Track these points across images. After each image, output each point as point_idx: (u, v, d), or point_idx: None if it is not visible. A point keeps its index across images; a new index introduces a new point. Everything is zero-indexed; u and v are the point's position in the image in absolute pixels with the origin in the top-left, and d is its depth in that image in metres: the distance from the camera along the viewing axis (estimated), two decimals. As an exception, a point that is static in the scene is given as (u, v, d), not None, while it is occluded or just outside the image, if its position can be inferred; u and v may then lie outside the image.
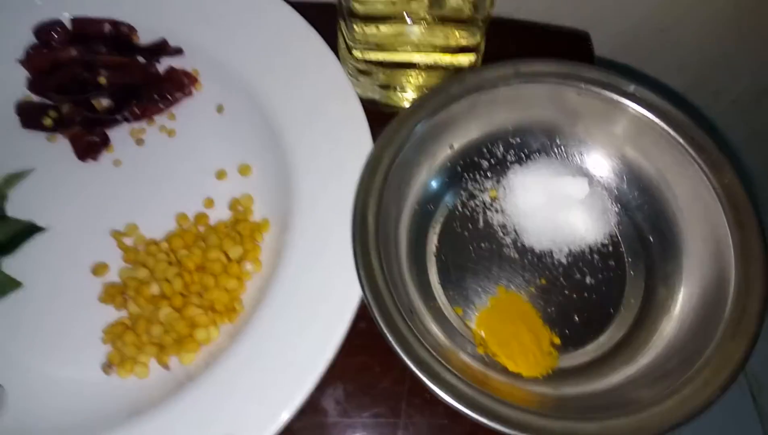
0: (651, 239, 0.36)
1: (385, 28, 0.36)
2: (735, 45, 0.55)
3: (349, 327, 0.32)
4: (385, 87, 0.40)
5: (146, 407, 0.31)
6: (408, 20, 0.36)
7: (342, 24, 0.37)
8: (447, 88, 0.35)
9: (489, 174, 0.39)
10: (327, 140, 0.37)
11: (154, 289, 0.34)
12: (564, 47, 0.45)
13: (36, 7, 0.40)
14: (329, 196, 0.35)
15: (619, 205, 0.37)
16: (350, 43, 0.37)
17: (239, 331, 0.33)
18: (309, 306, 0.32)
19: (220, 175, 0.38)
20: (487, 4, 0.35)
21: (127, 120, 0.40)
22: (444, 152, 0.37)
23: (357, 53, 0.38)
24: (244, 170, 0.38)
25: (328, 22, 0.39)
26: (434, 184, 0.38)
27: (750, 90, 0.61)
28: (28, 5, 0.40)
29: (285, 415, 0.30)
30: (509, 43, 0.41)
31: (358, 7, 0.35)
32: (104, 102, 0.40)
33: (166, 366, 0.33)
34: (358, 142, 0.36)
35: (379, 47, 0.37)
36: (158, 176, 0.39)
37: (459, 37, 0.37)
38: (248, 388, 0.31)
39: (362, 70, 0.39)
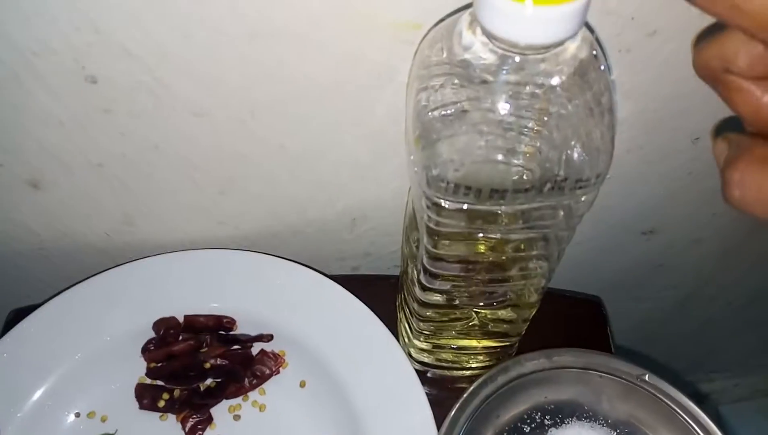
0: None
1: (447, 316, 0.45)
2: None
3: None
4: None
5: None
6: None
7: (405, 318, 0.47)
8: (494, 378, 0.44)
9: (530, 437, 0.46)
10: (392, 414, 0.45)
11: None
12: (581, 311, 0.54)
13: (152, 306, 0.50)
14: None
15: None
16: (414, 334, 0.46)
17: None
18: None
19: (305, 448, 0.46)
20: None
21: (226, 397, 0.48)
22: (492, 425, 0.45)
23: (419, 343, 0.47)
24: (326, 442, 0.46)
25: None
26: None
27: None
28: (145, 307, 0.50)
29: None
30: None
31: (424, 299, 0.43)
32: (208, 382, 0.48)
33: None
34: (422, 423, 0.44)
35: (437, 336, 0.46)
36: (254, 449, 0.46)
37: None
38: None
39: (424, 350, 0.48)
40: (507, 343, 0.48)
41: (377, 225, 0.53)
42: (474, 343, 0.47)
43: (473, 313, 0.44)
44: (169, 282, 0.50)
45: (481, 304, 0.42)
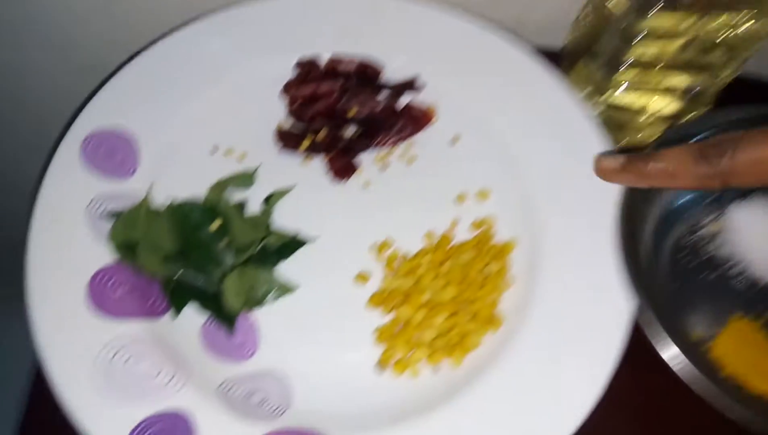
0: None
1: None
2: None
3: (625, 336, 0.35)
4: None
5: (431, 403, 0.35)
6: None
7: (595, 68, 0.42)
8: (687, 129, 0.39)
9: (709, 211, 0.42)
10: (567, 163, 0.41)
11: (425, 297, 0.38)
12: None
13: (296, 45, 0.45)
14: (577, 216, 0.39)
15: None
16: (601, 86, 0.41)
17: (507, 338, 0.36)
18: (576, 318, 0.36)
19: (460, 198, 0.42)
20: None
21: (371, 148, 0.44)
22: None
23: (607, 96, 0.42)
24: (482, 195, 0.42)
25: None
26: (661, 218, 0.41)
27: None
28: (290, 44, 0.45)
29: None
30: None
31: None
32: (351, 131, 0.45)
33: (437, 368, 0.37)
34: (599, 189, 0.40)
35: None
36: (403, 198, 0.43)
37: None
38: (533, 392, 0.34)
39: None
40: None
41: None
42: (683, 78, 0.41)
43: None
44: (314, 21, 0.45)
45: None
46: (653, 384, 0.37)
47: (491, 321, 0.37)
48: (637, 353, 0.35)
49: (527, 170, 0.42)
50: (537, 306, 0.37)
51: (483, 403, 0.35)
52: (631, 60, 0.39)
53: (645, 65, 0.40)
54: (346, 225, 0.42)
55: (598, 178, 0.38)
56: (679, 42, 0.38)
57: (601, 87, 0.42)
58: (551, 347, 0.36)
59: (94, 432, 0.32)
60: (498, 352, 0.36)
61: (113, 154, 0.40)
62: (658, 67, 0.40)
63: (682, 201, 0.42)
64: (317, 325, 0.39)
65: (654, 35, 0.37)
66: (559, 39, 0.50)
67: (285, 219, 0.42)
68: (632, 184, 0.33)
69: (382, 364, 0.37)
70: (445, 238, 0.41)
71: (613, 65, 0.40)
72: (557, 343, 0.36)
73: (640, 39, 0.37)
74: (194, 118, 0.43)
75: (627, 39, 0.38)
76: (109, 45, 0.50)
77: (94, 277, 0.36)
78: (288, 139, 0.44)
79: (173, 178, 0.41)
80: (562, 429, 0.34)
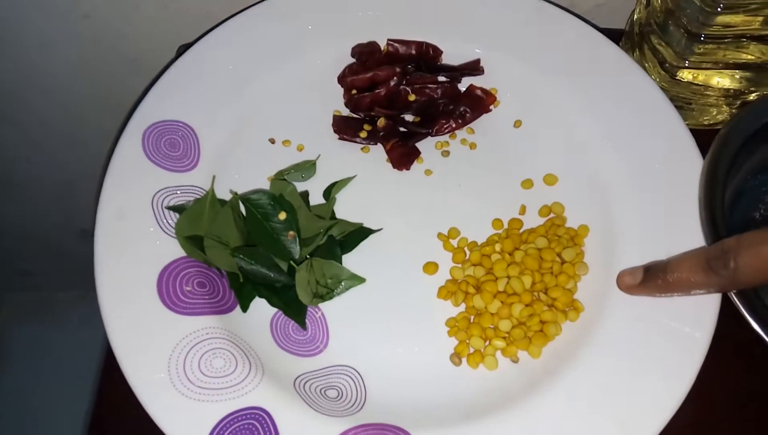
0: None
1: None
2: None
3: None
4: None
5: (511, 396, 0.34)
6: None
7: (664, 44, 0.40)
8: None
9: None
10: (636, 142, 0.39)
11: (501, 286, 0.36)
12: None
13: (354, 30, 0.44)
14: (650, 197, 0.38)
15: None
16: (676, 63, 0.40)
17: (586, 327, 0.35)
18: (659, 303, 0.34)
19: (526, 184, 0.41)
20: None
21: (431, 134, 0.43)
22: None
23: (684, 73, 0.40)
24: (549, 180, 0.41)
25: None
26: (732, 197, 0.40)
27: None
28: (346, 30, 0.44)
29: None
30: None
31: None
32: (410, 117, 0.43)
33: (515, 359, 0.36)
34: (673, 142, 0.39)
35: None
36: (466, 185, 0.42)
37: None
38: (619, 383, 0.33)
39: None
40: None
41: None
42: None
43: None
44: (371, 6, 0.44)
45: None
46: (739, 371, 0.36)
47: (571, 309, 0.36)
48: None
49: (595, 152, 0.40)
50: (616, 293, 0.36)
51: (565, 397, 0.34)
52: (712, 30, 0.37)
53: (721, 39, 0.38)
54: (410, 214, 0.41)
55: (670, 163, 0.38)
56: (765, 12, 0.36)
57: (671, 63, 0.40)
58: (634, 336, 0.34)
59: (172, 431, 0.32)
60: (579, 343, 0.35)
61: (174, 147, 0.39)
62: (736, 39, 0.38)
63: (751, 183, 0.40)
64: (386, 318, 0.38)
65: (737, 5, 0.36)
66: (615, 20, 0.48)
67: (347, 210, 0.41)
68: (654, 296, 0.34)
69: (456, 357, 0.36)
70: (515, 225, 0.40)
71: (690, 38, 0.38)
72: (640, 332, 0.34)
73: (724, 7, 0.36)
74: (251, 109, 0.42)
75: (710, 6, 0.36)
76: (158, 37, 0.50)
77: (163, 272, 0.36)
78: (346, 128, 0.43)
79: (233, 170, 0.41)
80: (650, 426, 0.32)
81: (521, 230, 0.40)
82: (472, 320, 0.37)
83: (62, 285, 1.03)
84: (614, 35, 0.45)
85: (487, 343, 0.36)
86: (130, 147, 0.39)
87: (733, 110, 0.43)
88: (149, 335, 0.34)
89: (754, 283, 0.31)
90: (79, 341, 1.00)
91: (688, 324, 0.34)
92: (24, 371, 1.02)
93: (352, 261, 0.39)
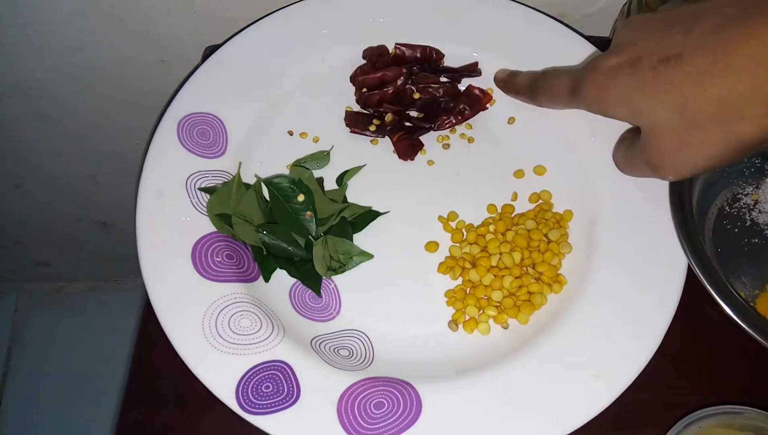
0: None
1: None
2: None
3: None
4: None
5: (506, 354, 0.39)
6: None
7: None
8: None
9: (750, 180, 0.45)
10: (617, 138, 0.44)
11: (494, 261, 0.41)
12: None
13: (365, 35, 0.49)
14: (629, 186, 0.42)
15: None
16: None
17: (569, 298, 0.40)
18: (632, 279, 0.39)
19: (518, 174, 0.46)
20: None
21: (433, 129, 0.48)
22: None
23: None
24: (539, 170, 0.46)
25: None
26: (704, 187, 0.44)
27: None
28: (360, 34, 0.49)
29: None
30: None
31: None
32: (415, 113, 0.48)
33: (505, 325, 0.41)
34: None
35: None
36: (465, 174, 0.46)
37: None
38: (595, 346, 0.38)
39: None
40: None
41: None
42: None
43: None
44: (380, 13, 0.49)
45: None
46: (703, 337, 0.41)
47: (555, 282, 0.41)
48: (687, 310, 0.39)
49: (580, 146, 0.45)
50: (596, 269, 0.40)
51: (547, 356, 0.38)
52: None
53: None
54: (413, 199, 0.46)
55: None
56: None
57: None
58: (610, 305, 0.39)
59: (206, 378, 0.36)
60: (561, 311, 0.40)
61: (205, 136, 0.44)
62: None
63: (724, 172, 0.45)
64: (392, 290, 0.43)
65: None
66: (601, 29, 0.53)
67: (358, 195, 0.46)
68: (517, 99, 0.46)
69: (453, 323, 0.41)
70: (507, 210, 0.45)
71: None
72: (615, 302, 0.39)
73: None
74: (272, 104, 0.47)
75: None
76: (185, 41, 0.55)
77: (196, 244, 0.40)
78: (357, 122, 0.48)
79: (256, 158, 0.46)
80: (622, 379, 0.37)
81: (513, 214, 0.44)
82: (468, 292, 0.42)
83: (78, 275, 1.08)
84: (601, 42, 0.50)
85: (481, 311, 0.41)
86: (166, 135, 0.44)
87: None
88: (185, 298, 0.39)
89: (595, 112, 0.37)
90: (93, 329, 1.05)
91: (657, 296, 0.39)
92: (40, 357, 1.07)
93: (361, 239, 0.44)
